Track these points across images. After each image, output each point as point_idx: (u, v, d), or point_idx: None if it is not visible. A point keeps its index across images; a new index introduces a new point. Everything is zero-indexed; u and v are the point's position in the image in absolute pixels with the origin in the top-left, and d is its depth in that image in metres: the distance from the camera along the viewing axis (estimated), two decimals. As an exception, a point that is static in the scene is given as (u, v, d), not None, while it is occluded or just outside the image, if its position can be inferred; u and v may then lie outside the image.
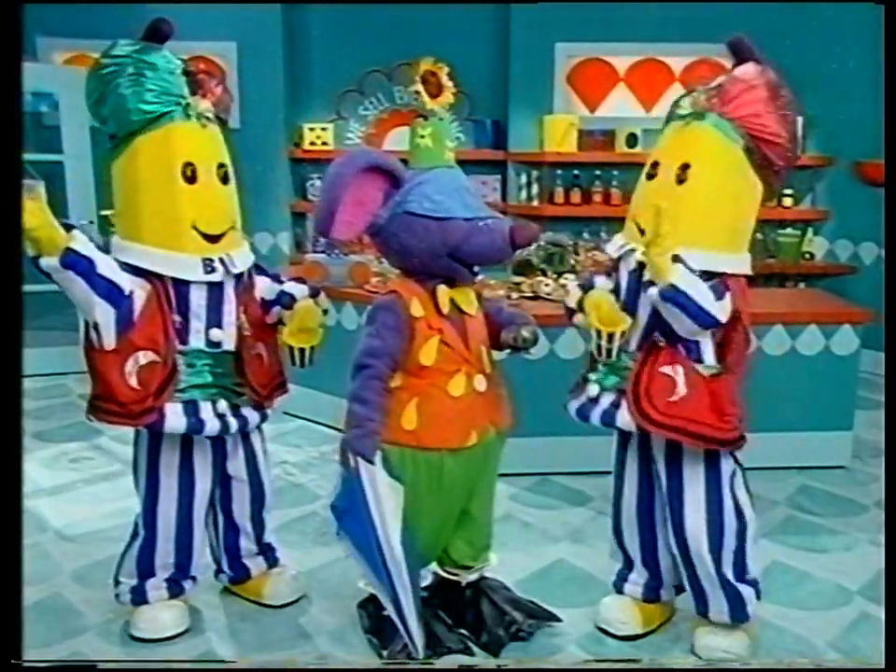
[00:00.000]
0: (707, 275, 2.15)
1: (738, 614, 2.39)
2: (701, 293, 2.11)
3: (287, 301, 2.47)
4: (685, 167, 2.18)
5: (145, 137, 2.25)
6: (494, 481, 2.50)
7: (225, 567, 2.69)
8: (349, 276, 4.13)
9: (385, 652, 2.37)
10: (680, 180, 2.19)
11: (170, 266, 2.28)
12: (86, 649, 2.45)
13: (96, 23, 5.12)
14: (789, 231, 5.70)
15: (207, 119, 2.31)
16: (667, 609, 2.58)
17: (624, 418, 2.25)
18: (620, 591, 2.55)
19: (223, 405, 2.38)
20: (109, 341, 2.24)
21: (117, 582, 2.53)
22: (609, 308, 2.27)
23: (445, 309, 2.25)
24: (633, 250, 2.25)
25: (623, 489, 2.50)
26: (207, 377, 2.36)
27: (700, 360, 2.24)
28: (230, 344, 2.39)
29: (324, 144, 5.72)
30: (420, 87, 2.28)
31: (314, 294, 2.50)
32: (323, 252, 4.38)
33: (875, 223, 5.09)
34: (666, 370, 2.21)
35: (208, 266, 2.30)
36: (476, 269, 2.29)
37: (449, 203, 2.19)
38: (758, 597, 2.42)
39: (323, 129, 5.74)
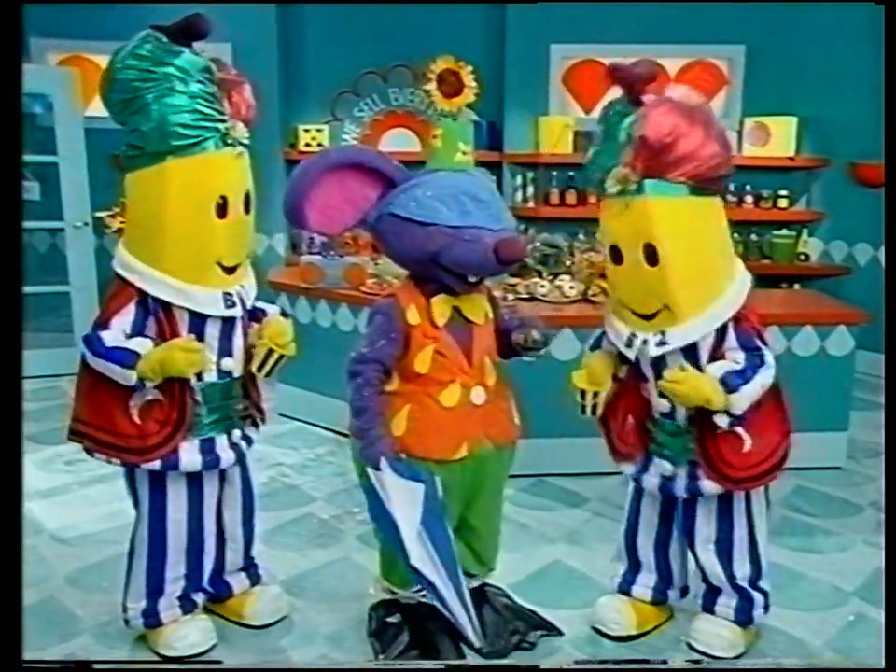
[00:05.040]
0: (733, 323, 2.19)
1: (742, 616, 2.41)
2: (758, 386, 2.15)
3: (258, 315, 2.42)
4: (649, 247, 2.07)
5: (177, 162, 2.11)
6: (497, 493, 2.45)
7: (205, 583, 2.49)
8: (344, 278, 4.13)
9: (382, 656, 2.36)
10: (652, 262, 2.09)
11: (192, 300, 2.20)
12: (81, 651, 2.43)
13: (90, 24, 5.13)
14: (784, 232, 5.71)
15: (242, 145, 2.20)
16: (665, 611, 2.58)
17: (709, 487, 2.26)
18: (627, 593, 2.54)
19: (237, 434, 2.38)
20: (132, 381, 2.17)
21: (125, 608, 2.41)
22: (598, 367, 2.28)
23: (440, 321, 2.20)
24: (645, 341, 2.19)
25: (640, 516, 2.50)
26: (225, 411, 2.33)
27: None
28: (238, 371, 2.35)
29: (319, 145, 5.70)
30: (433, 85, 2.23)
31: (283, 314, 2.46)
32: (318, 254, 4.38)
33: (870, 224, 5.11)
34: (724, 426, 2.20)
35: (229, 301, 2.25)
36: (471, 278, 2.19)
37: (438, 208, 2.11)
38: (766, 610, 2.45)
39: (318, 130, 5.74)
